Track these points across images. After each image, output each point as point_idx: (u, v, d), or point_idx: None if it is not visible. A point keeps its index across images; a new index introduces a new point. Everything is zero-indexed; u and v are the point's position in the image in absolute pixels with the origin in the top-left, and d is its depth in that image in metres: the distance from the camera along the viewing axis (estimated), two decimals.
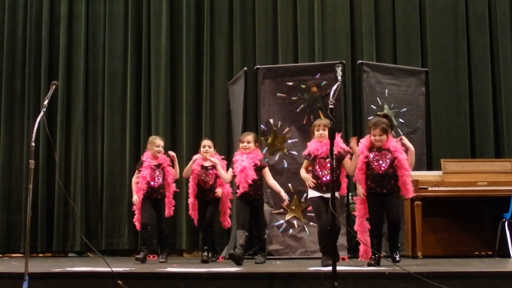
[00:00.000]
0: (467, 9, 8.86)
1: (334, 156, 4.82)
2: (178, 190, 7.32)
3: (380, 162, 5.66)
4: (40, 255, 8.98)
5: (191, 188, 7.02)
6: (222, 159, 7.03)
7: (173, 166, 7.04)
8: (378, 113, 6.16)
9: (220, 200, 6.96)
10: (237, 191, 6.48)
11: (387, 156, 5.66)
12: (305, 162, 5.96)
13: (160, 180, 6.96)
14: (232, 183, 6.88)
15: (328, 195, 5.49)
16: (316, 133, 5.84)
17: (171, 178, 7.05)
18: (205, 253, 6.85)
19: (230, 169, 6.64)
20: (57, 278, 4.93)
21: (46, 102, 4.91)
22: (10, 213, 9.18)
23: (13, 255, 8.92)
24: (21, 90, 9.43)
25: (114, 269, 4.84)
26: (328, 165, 5.61)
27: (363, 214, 5.78)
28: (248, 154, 6.55)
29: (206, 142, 7.07)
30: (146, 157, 7.02)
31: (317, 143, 5.82)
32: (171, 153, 7.05)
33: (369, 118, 7.57)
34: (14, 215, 9.16)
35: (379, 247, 5.72)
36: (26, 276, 4.52)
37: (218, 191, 6.89)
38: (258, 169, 6.51)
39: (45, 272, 5.12)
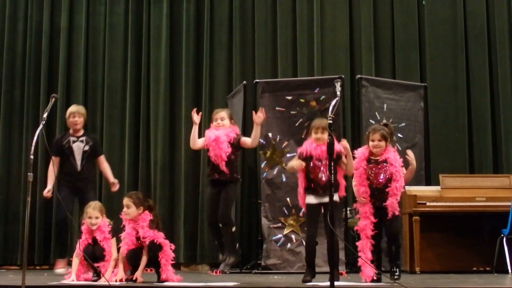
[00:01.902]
0: (466, 23, 8.89)
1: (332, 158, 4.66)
2: None
3: (378, 174, 5.42)
4: (37, 267, 8.93)
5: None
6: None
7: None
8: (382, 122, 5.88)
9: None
10: (208, 169, 5.49)
11: (385, 169, 5.42)
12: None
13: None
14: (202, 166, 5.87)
15: (326, 200, 5.29)
16: (314, 136, 5.55)
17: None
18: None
19: (202, 139, 5.60)
20: None
21: (45, 115, 4.92)
22: (7, 225, 9.14)
23: (10, 267, 8.87)
24: (20, 101, 9.41)
25: (112, 284, 4.83)
26: (322, 168, 5.40)
27: (364, 228, 5.36)
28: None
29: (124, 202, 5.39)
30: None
31: (312, 145, 5.54)
32: None
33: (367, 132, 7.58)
34: (11, 227, 9.11)
35: (379, 264, 5.47)
36: None
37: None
38: (235, 146, 5.52)
39: (42, 286, 5.09)
